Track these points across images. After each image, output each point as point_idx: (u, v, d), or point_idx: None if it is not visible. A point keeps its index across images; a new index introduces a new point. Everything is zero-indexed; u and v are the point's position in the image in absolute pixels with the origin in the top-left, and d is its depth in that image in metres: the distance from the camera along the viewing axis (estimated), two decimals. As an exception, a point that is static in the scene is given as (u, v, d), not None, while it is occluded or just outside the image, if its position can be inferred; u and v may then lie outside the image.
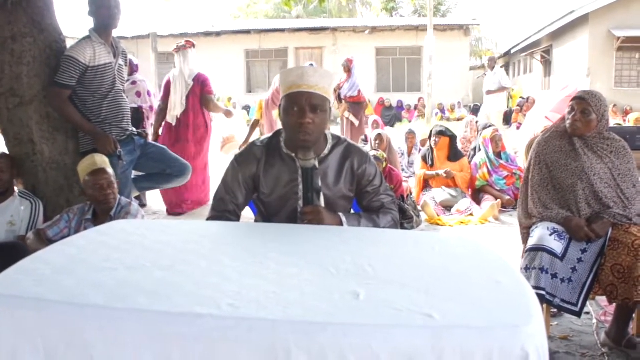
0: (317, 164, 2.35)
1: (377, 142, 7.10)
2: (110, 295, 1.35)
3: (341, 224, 2.35)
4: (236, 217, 2.46)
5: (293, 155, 2.39)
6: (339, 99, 9.31)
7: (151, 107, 6.95)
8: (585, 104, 3.10)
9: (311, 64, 9.63)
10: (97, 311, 1.28)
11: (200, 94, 6.23)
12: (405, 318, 1.24)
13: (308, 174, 2.30)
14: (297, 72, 2.31)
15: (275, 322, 1.22)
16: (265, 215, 2.48)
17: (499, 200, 6.55)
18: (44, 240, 3.22)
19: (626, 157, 3.15)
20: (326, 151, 2.42)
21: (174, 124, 6.20)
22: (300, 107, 2.26)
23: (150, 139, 4.78)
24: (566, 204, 3.14)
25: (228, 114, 6.59)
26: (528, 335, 1.21)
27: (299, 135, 2.27)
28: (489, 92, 11.95)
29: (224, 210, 2.44)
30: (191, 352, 1.21)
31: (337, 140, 2.50)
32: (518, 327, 1.22)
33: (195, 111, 6.23)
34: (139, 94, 6.72)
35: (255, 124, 6.87)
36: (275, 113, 7.15)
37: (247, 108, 22.85)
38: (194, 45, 6.49)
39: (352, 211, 2.62)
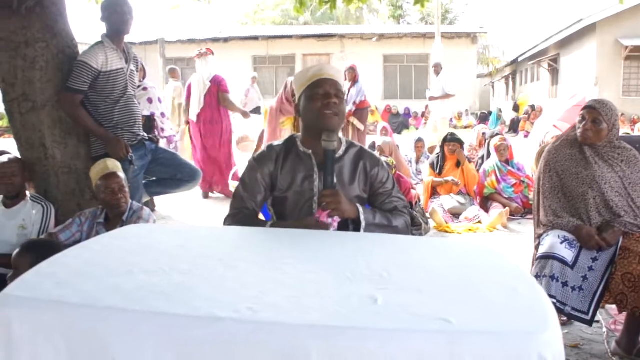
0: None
1: (378, 152, 7.11)
2: (130, 298, 1.36)
3: (357, 213, 2.39)
4: (254, 214, 2.52)
5: (310, 152, 2.45)
6: None
7: (163, 114, 7.01)
8: (596, 113, 3.11)
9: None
10: (118, 314, 1.29)
11: (217, 93, 7.20)
12: (423, 323, 1.25)
13: (329, 155, 2.31)
14: (314, 67, 2.49)
15: (295, 326, 1.23)
16: (281, 213, 2.52)
17: (507, 208, 6.55)
18: None
19: (637, 165, 3.16)
20: (341, 152, 2.48)
21: (195, 120, 7.21)
22: (325, 90, 2.38)
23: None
24: (577, 213, 3.15)
25: (245, 115, 7.84)
26: (545, 342, 1.21)
27: (325, 114, 2.36)
28: (432, 99, 11.69)
29: (243, 207, 2.49)
30: (211, 355, 1.22)
31: (351, 143, 2.58)
32: (535, 334, 1.22)
33: (212, 108, 7.23)
34: (150, 100, 6.75)
35: (263, 134, 6.89)
36: (283, 121, 7.14)
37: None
38: (213, 53, 7.51)
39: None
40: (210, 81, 7.25)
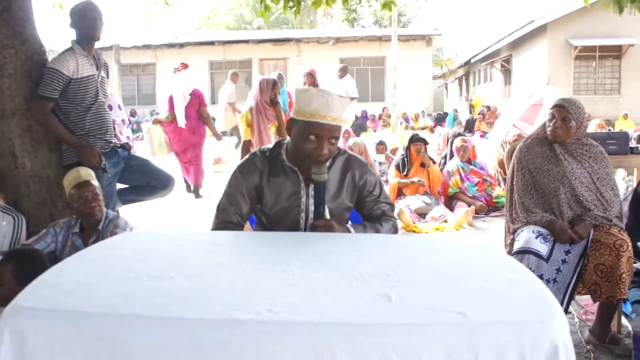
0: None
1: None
2: (146, 304, 1.36)
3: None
4: (240, 227, 2.46)
5: (296, 168, 2.40)
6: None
7: (123, 121, 6.92)
8: (565, 112, 3.21)
9: (279, 74, 9.71)
10: (137, 320, 1.29)
11: (197, 105, 7.98)
12: (440, 316, 1.29)
13: (320, 187, 2.30)
14: (322, 99, 2.24)
15: (317, 325, 1.26)
16: (267, 226, 2.49)
17: (472, 206, 6.68)
18: None
19: (604, 161, 3.28)
20: (327, 164, 2.40)
21: (184, 127, 7.92)
22: (321, 138, 2.25)
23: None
24: (549, 208, 3.25)
25: (218, 137, 8.73)
26: (555, 329, 1.28)
27: (315, 159, 2.28)
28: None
29: (227, 221, 2.43)
30: (235, 358, 1.23)
31: (337, 152, 2.49)
32: (546, 322, 1.28)
33: (191, 118, 7.93)
34: (110, 107, 6.64)
35: (247, 145, 6.57)
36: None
37: (212, 120, 22.73)
38: (188, 67, 8.21)
39: (350, 222, 2.65)
40: (190, 94, 7.94)
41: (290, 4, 5.25)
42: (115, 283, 1.52)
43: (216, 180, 8.81)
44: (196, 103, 7.99)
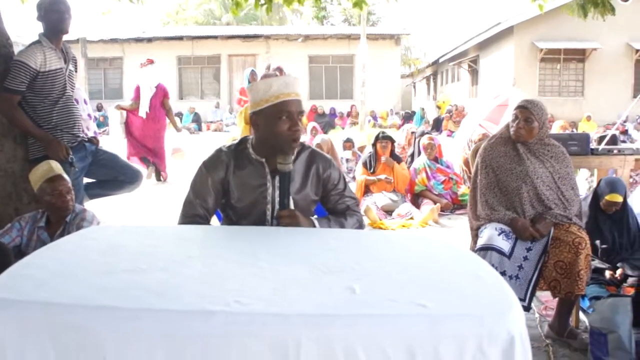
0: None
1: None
2: (119, 296, 1.39)
3: (314, 226, 2.43)
4: (206, 221, 2.49)
5: (262, 160, 2.44)
6: None
7: (89, 115, 6.88)
8: (528, 113, 3.30)
9: (252, 70, 9.80)
10: (110, 312, 1.31)
11: (162, 97, 8.84)
12: (402, 308, 1.35)
13: (284, 178, 2.34)
14: (279, 81, 2.34)
15: (286, 316, 1.30)
16: (234, 219, 2.52)
17: (438, 204, 6.79)
18: None
19: (565, 161, 3.38)
20: (292, 156, 2.44)
21: (144, 117, 8.71)
22: (291, 114, 2.32)
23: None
24: (512, 206, 3.33)
25: (177, 129, 9.86)
26: (512, 321, 1.34)
27: (291, 141, 2.33)
28: None
29: (194, 214, 2.45)
30: (205, 348, 1.26)
31: (302, 146, 2.55)
32: (504, 314, 1.34)
33: (156, 109, 8.81)
34: (76, 102, 6.59)
35: None
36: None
37: (179, 115, 22.54)
38: (154, 62, 9.04)
39: (316, 215, 2.70)
40: (156, 87, 8.78)
41: (262, 1, 5.26)
42: (87, 275, 1.54)
43: (177, 168, 9.55)
44: (161, 95, 8.84)
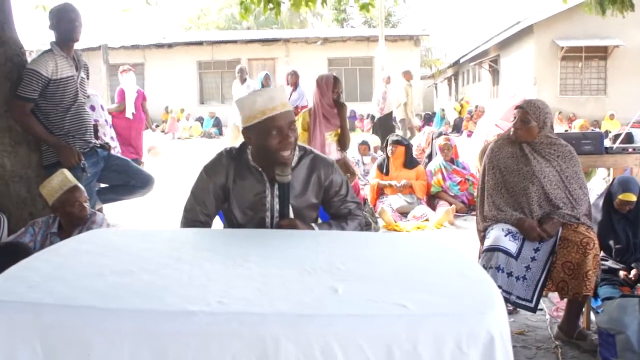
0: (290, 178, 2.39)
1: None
2: (105, 297, 1.42)
3: None
4: (207, 226, 2.52)
5: (260, 169, 2.44)
6: None
7: (106, 121, 6.98)
8: (524, 113, 3.30)
9: (266, 74, 9.89)
10: (94, 312, 1.35)
11: (141, 100, 9.23)
12: (382, 308, 1.36)
13: (284, 188, 2.35)
14: (262, 96, 2.31)
15: (264, 315, 1.32)
16: (235, 224, 2.54)
17: (453, 205, 6.75)
18: None
19: (572, 160, 3.35)
20: (293, 163, 2.46)
21: (131, 117, 9.02)
22: (280, 128, 2.29)
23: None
24: (519, 206, 3.32)
25: (152, 129, 10.95)
26: (492, 321, 1.34)
27: (283, 155, 2.32)
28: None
29: (195, 220, 2.48)
30: (186, 347, 1.30)
31: (304, 152, 2.54)
32: (484, 313, 1.35)
33: (138, 110, 9.15)
34: (93, 108, 6.69)
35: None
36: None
37: (200, 120, 22.77)
38: (133, 69, 9.68)
39: (320, 219, 2.71)
40: (137, 91, 9.24)
41: (270, 5, 5.30)
42: (78, 277, 1.59)
43: (153, 165, 10.05)
44: (140, 98, 9.40)
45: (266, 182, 2.45)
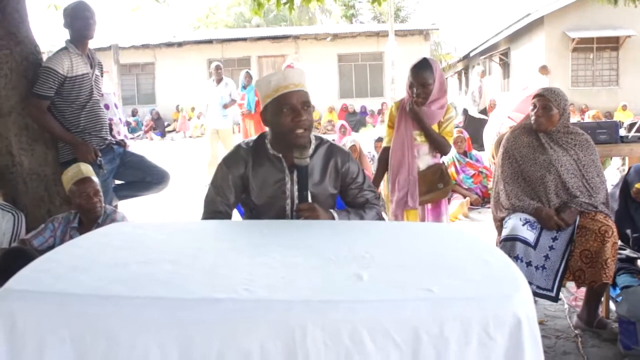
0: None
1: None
2: (130, 286, 1.44)
3: (333, 219, 2.45)
4: (228, 217, 2.54)
5: (280, 155, 2.47)
6: None
7: (120, 119, 7.02)
8: (545, 100, 3.28)
9: (247, 71, 10.28)
10: (121, 301, 1.37)
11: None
12: (408, 293, 1.36)
13: (302, 172, 2.37)
14: (277, 75, 2.39)
15: (291, 302, 1.33)
16: (254, 214, 2.56)
17: (467, 198, 6.74)
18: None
19: (589, 149, 3.34)
20: (310, 151, 2.48)
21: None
22: (293, 106, 2.33)
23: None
24: (536, 195, 3.30)
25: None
26: (519, 303, 1.34)
27: (296, 133, 2.34)
28: (225, 106, 10.05)
29: (216, 211, 2.50)
30: (212, 334, 1.30)
31: (320, 141, 2.58)
32: (510, 296, 1.35)
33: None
34: (107, 107, 6.73)
35: (385, 154, 4.87)
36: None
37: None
38: (107, 72, 10.09)
39: (336, 208, 2.72)
40: (114, 93, 9.32)
41: (283, 0, 5.30)
42: (102, 268, 1.60)
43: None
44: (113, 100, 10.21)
45: (285, 168, 2.47)
